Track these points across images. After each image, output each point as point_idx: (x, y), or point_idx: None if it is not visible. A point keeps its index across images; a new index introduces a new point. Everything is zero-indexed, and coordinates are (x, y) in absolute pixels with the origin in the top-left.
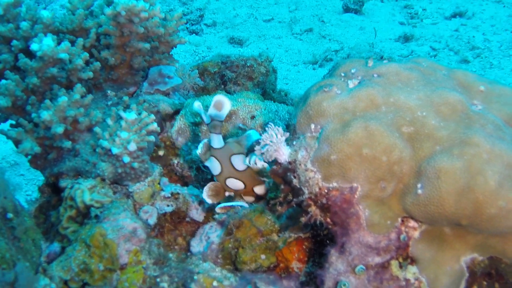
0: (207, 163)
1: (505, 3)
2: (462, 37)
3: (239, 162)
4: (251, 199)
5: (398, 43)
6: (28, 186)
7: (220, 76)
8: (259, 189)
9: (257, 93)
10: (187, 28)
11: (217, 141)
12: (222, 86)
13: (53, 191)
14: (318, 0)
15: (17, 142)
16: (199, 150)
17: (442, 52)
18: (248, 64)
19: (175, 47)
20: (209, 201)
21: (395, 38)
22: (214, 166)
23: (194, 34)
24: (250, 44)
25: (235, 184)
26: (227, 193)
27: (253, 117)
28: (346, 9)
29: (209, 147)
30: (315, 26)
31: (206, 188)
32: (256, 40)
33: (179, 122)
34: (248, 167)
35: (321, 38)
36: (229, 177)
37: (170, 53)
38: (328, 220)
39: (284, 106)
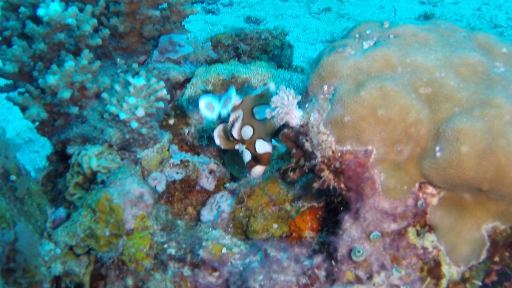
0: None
1: None
2: (484, 16)
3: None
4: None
5: (418, 22)
6: (42, 162)
7: (234, 49)
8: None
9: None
10: (203, 8)
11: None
12: (236, 59)
13: (60, 159)
14: None
15: (24, 108)
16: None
17: None
18: (263, 37)
19: (187, 17)
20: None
21: (415, 17)
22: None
23: (210, 14)
24: (267, 23)
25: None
26: (236, 146)
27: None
28: None
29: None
30: (333, 5)
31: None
32: (273, 19)
33: (190, 91)
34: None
35: (339, 17)
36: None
37: (183, 24)
38: (342, 185)
39: (298, 75)
